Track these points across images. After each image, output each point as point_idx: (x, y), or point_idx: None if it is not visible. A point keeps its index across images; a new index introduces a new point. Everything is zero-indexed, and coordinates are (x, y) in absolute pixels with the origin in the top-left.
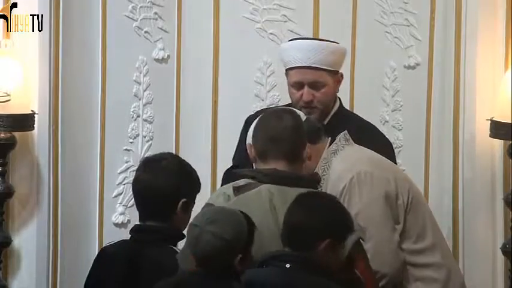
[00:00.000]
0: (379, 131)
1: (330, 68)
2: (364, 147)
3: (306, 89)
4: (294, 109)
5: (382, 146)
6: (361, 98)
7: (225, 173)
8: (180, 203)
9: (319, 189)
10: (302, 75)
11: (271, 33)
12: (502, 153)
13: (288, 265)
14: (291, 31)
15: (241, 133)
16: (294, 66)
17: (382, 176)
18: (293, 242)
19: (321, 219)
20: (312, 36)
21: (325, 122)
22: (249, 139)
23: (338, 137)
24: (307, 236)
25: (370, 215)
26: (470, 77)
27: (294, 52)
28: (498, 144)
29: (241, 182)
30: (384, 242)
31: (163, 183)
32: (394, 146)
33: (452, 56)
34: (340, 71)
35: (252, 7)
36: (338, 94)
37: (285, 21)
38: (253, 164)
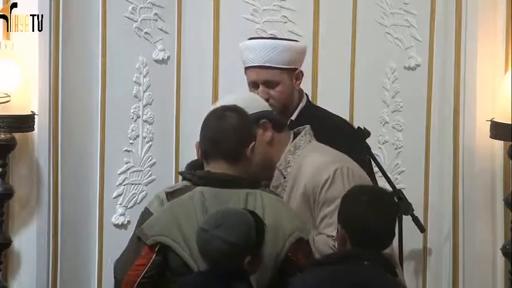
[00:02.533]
0: (348, 127)
1: (283, 66)
2: (332, 142)
3: (260, 87)
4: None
5: (347, 145)
6: (361, 98)
7: None
8: None
9: (284, 181)
10: (256, 75)
11: (271, 34)
12: (502, 154)
13: (366, 263)
14: (291, 32)
15: None
16: (248, 66)
17: (361, 174)
18: (376, 243)
19: (394, 220)
20: (287, 38)
21: (293, 118)
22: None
23: (303, 131)
24: (388, 236)
25: None
26: (470, 77)
27: (247, 52)
28: (498, 145)
29: (178, 185)
30: None
31: None
32: (394, 147)
33: (453, 57)
34: (299, 69)
35: (252, 8)
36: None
37: (285, 22)
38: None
